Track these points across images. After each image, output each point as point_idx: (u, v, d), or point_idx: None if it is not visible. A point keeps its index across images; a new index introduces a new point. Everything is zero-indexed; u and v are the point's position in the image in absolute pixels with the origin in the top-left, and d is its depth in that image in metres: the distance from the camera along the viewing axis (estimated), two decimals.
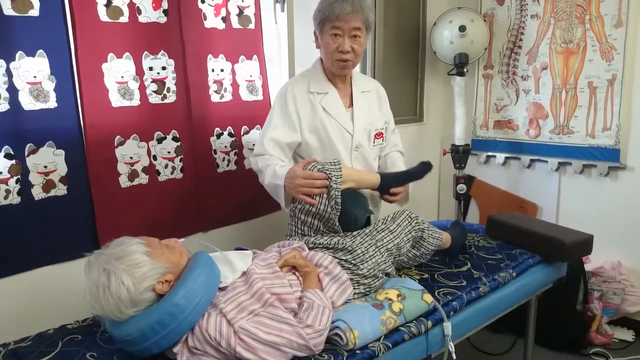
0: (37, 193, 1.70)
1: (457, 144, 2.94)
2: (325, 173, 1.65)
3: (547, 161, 2.88)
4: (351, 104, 1.96)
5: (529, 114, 2.93)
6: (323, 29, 1.81)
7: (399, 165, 2.05)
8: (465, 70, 2.88)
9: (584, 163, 2.75)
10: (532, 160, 2.96)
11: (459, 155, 2.92)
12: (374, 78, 2.81)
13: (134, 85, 1.89)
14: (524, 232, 2.08)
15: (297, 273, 1.51)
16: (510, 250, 2.04)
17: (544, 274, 2.02)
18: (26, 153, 1.66)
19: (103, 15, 1.78)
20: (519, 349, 2.39)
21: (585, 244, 2.06)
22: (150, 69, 1.92)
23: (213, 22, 2.09)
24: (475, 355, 2.57)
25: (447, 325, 1.56)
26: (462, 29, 2.78)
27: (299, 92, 1.88)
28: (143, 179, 1.96)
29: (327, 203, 1.67)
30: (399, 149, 2.14)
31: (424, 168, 1.92)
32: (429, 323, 1.53)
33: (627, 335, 2.69)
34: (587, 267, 2.67)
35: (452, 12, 2.88)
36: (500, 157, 3.08)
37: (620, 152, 2.62)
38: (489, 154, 3.13)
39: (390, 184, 1.88)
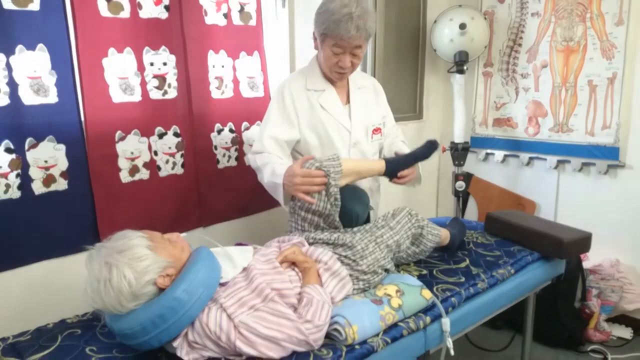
0: (38, 188, 1.70)
1: (456, 141, 2.94)
2: (324, 170, 1.65)
3: (546, 159, 2.89)
4: (348, 101, 1.96)
5: (529, 112, 2.93)
6: (324, 40, 1.79)
7: (405, 150, 2.02)
8: (465, 68, 2.89)
9: (583, 161, 2.75)
10: (531, 158, 2.96)
11: (458, 152, 2.93)
12: (374, 75, 2.81)
13: (135, 81, 1.89)
14: (523, 230, 2.08)
15: (296, 269, 1.51)
16: (509, 248, 2.04)
17: (542, 271, 2.03)
18: (26, 147, 1.66)
19: (104, 10, 1.78)
20: (517, 345, 2.40)
21: (583, 241, 2.07)
22: (151, 64, 1.92)
23: (214, 18, 2.09)
24: (473, 351, 2.58)
25: (446, 321, 1.56)
26: (462, 26, 2.78)
27: (296, 89, 1.88)
28: (144, 174, 1.96)
29: (326, 200, 1.68)
30: (401, 139, 2.14)
31: (430, 147, 1.88)
32: (428, 319, 1.53)
33: (625, 332, 2.70)
34: (586, 264, 2.68)
35: (453, 10, 2.88)
36: (499, 154, 3.08)
37: (619, 151, 2.63)
38: (488, 151, 3.14)
39: (397, 167, 1.86)
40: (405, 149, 2.02)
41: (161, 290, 1.27)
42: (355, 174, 1.78)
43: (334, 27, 1.73)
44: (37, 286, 1.75)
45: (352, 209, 1.74)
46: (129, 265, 1.23)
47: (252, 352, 1.24)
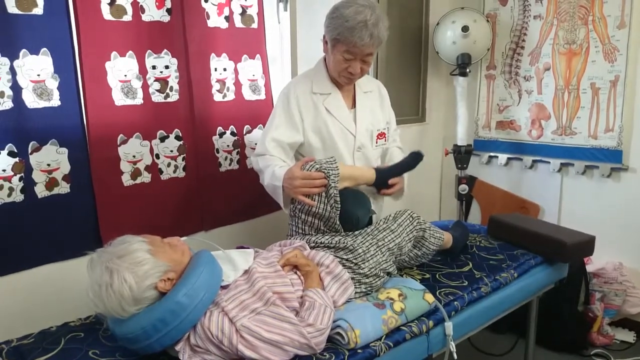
0: (40, 191, 1.70)
1: (459, 144, 2.93)
2: (324, 172, 1.65)
3: (549, 162, 2.88)
4: (354, 105, 1.96)
5: (532, 115, 2.93)
6: (335, 46, 1.78)
7: (396, 160, 2.04)
8: (467, 70, 2.88)
9: (586, 164, 2.74)
10: (534, 161, 2.96)
11: (461, 155, 2.92)
12: (377, 78, 2.80)
13: (137, 84, 1.89)
14: (526, 233, 2.08)
15: (298, 272, 1.51)
16: (512, 251, 2.04)
17: (545, 274, 2.02)
18: (29, 151, 1.67)
19: (107, 13, 1.78)
20: (520, 349, 2.39)
21: (586, 245, 2.06)
22: (154, 67, 1.93)
23: (216, 21, 2.10)
24: (476, 355, 2.57)
25: (449, 325, 1.56)
26: (464, 29, 2.78)
27: (302, 92, 1.88)
28: (145, 177, 1.96)
29: (326, 202, 1.68)
30: (397, 144, 2.14)
31: (415, 158, 1.90)
32: (430, 323, 1.53)
33: (629, 336, 2.69)
34: (589, 268, 2.67)
35: (455, 13, 2.88)
36: (503, 157, 3.08)
37: (622, 154, 2.62)
38: (491, 154, 3.13)
39: (386, 177, 1.88)
40: (398, 157, 2.03)
41: (162, 294, 1.27)
42: (350, 180, 1.79)
43: (347, 33, 1.72)
44: (41, 289, 1.75)
45: (354, 212, 1.74)
46: (130, 269, 1.23)
47: (255, 356, 1.24)
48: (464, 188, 2.94)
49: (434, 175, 3.38)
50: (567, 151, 2.81)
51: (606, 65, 2.62)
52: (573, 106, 2.77)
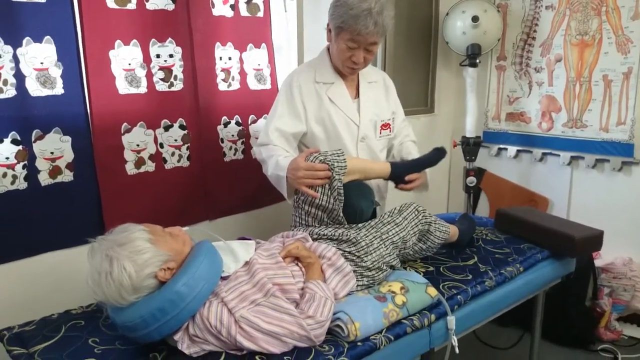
0: (44, 179, 1.71)
1: (468, 135, 2.90)
2: (328, 164, 1.63)
3: (559, 155, 2.84)
4: (357, 95, 1.93)
5: (542, 107, 2.89)
6: (339, 34, 1.76)
7: (414, 154, 2.01)
8: (477, 61, 2.85)
9: (597, 157, 2.70)
10: (544, 154, 2.92)
11: (470, 147, 2.89)
12: (385, 69, 2.78)
13: (141, 73, 1.89)
14: (533, 227, 2.05)
15: (299, 264, 1.50)
16: (519, 245, 2.01)
17: (552, 269, 2.00)
18: (33, 139, 1.67)
19: (111, 2, 1.77)
20: (526, 343, 2.37)
21: (595, 239, 2.03)
22: (158, 56, 1.92)
23: (221, 9, 2.08)
24: (481, 348, 2.56)
25: (451, 319, 1.54)
26: (475, 19, 2.74)
27: (304, 82, 1.86)
28: (149, 166, 1.96)
29: (329, 194, 1.66)
30: (411, 138, 2.12)
31: (437, 154, 1.87)
32: (433, 316, 1.51)
33: (637, 332, 2.66)
34: (597, 262, 2.64)
35: (465, 2, 2.84)
36: (512, 150, 3.04)
37: (634, 147, 2.58)
38: (501, 146, 3.10)
39: (403, 172, 1.85)
40: (414, 152, 2.00)
41: (162, 283, 1.27)
42: (360, 173, 1.77)
43: (351, 21, 1.70)
44: (43, 277, 1.76)
45: (357, 204, 1.72)
46: (130, 258, 1.23)
47: (253, 347, 1.24)
48: (472, 180, 2.91)
49: (441, 167, 3.33)
50: (577, 144, 2.77)
51: (619, 57, 2.57)
52: (584, 98, 2.72)
